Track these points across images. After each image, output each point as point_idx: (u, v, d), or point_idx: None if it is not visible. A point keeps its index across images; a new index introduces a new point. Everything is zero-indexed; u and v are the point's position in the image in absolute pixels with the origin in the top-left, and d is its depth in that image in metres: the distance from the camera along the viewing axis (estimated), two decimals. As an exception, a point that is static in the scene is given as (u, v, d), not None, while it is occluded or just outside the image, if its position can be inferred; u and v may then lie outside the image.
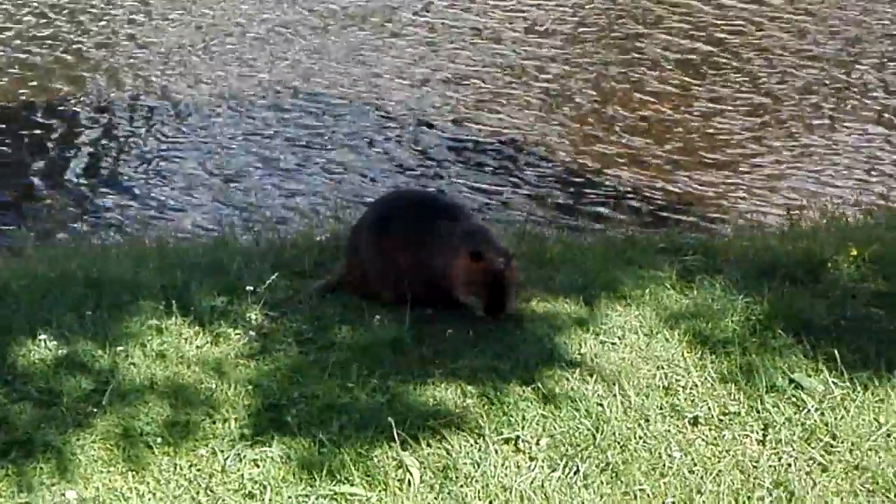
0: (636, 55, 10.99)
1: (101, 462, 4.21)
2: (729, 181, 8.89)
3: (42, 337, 4.77)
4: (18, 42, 11.44)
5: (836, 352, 4.67)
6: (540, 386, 4.53)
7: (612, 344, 4.81)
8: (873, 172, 9.01)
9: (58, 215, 8.57)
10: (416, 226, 4.99)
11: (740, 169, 9.07)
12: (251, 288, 5.12)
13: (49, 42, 11.48)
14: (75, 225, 8.35)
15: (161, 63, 11.12)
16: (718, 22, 11.65)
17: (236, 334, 4.89)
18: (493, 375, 4.59)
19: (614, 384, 4.54)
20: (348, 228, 5.90)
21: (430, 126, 9.87)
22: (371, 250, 5.09)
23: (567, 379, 4.58)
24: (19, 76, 10.83)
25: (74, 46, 11.41)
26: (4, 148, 9.70)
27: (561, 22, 11.76)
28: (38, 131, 9.98)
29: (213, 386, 4.58)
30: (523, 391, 4.51)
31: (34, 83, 10.71)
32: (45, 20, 11.93)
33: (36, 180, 9.23)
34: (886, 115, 9.90)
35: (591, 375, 4.60)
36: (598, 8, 12.03)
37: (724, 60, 10.87)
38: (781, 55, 10.96)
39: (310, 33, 11.57)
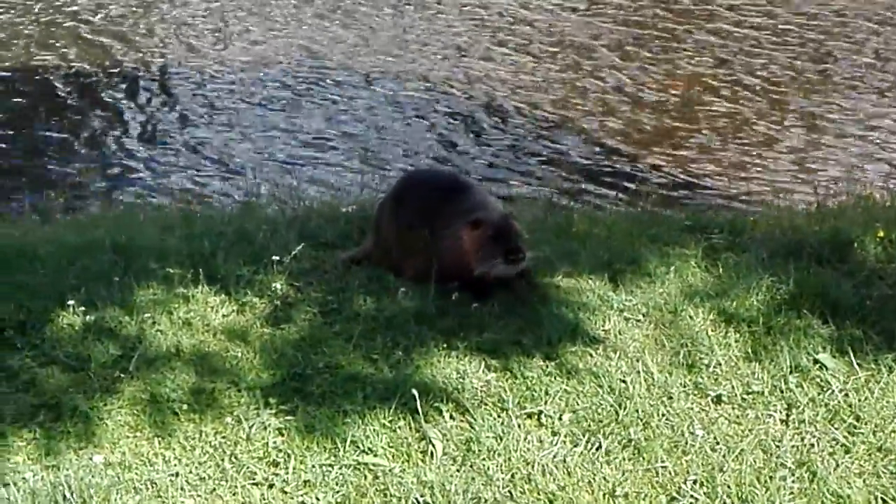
0: (664, 35, 10.92)
1: (128, 427, 4.26)
2: (757, 160, 8.84)
3: (70, 302, 4.81)
4: (42, 5, 11.46)
5: (861, 333, 4.66)
6: (563, 361, 4.53)
7: (637, 321, 4.81)
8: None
9: (86, 183, 8.61)
10: (430, 207, 5.03)
11: (769, 148, 9.02)
12: (277, 257, 5.15)
13: (73, 8, 11.49)
14: (103, 193, 8.38)
15: (192, 31, 11.12)
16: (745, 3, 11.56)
17: (262, 303, 4.92)
18: (516, 349, 4.60)
19: (638, 361, 4.55)
20: (374, 200, 5.92)
21: (461, 102, 9.84)
22: (391, 228, 5.13)
23: (591, 355, 4.59)
24: (40, 42, 10.85)
25: (100, 15, 11.42)
26: (31, 115, 9.74)
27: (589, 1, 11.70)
28: (62, 99, 10.01)
29: (239, 354, 4.61)
30: (547, 366, 4.52)
31: (56, 50, 10.73)
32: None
33: (64, 148, 9.27)
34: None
35: (615, 352, 4.60)
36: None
37: (750, 37, 10.78)
38: (809, 31, 10.86)
39: (349, 6, 11.54)
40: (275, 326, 4.79)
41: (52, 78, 10.25)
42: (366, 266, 5.19)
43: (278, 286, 4.99)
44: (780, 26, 10.85)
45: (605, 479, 4.04)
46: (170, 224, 5.82)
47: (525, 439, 4.19)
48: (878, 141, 9.07)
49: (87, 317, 4.76)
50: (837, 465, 4.11)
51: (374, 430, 4.20)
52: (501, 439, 4.18)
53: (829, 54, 10.37)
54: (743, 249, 5.33)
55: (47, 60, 10.54)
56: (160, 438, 4.21)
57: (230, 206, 7.11)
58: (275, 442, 4.18)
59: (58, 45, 10.81)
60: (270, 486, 4.03)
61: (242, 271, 5.09)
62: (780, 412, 4.35)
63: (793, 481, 4.03)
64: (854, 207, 6.32)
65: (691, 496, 3.98)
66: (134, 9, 11.47)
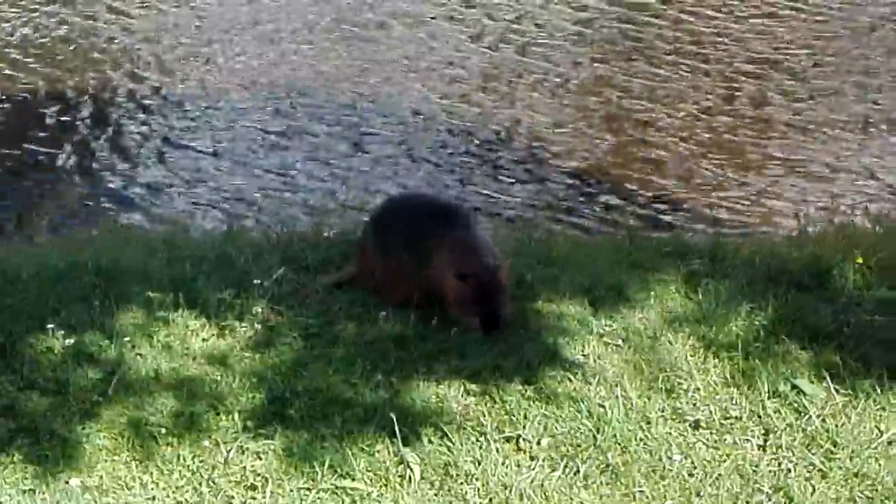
0: (645, 56, 10.99)
1: (106, 451, 4.25)
2: (738, 186, 8.89)
3: (50, 326, 4.81)
4: (26, 31, 11.48)
5: (839, 359, 4.68)
6: (542, 386, 4.55)
7: (616, 346, 4.83)
8: (883, 179, 8.99)
9: (69, 206, 8.61)
10: (412, 231, 5.06)
11: (750, 173, 9.07)
12: (258, 281, 5.15)
13: (54, 32, 11.51)
14: (85, 216, 8.39)
15: (173, 54, 11.15)
16: (730, 26, 11.64)
17: (242, 327, 4.92)
18: (496, 374, 4.61)
19: (616, 386, 4.56)
20: (357, 225, 5.94)
21: (441, 126, 9.88)
22: (376, 252, 5.15)
23: (570, 379, 4.60)
24: (27, 65, 10.86)
25: (79, 37, 11.45)
26: (16, 138, 9.74)
27: (569, 21, 11.77)
28: (47, 121, 10.02)
29: (218, 378, 4.61)
30: (526, 390, 4.53)
31: (42, 72, 10.74)
32: (49, 8, 11.94)
33: (47, 171, 9.27)
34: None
35: (594, 376, 4.62)
36: (607, 10, 12.01)
37: (733, 62, 10.86)
38: (793, 60, 10.94)
39: (326, 30, 11.60)
40: (255, 350, 4.79)
41: (41, 99, 10.27)
42: (347, 290, 5.20)
43: (259, 310, 5.00)
44: (754, 60, 10.93)
45: (582, 503, 4.05)
46: (152, 248, 5.82)
47: (503, 464, 4.20)
48: (859, 168, 9.13)
49: (67, 341, 4.75)
50: (814, 491, 4.13)
51: (352, 453, 4.21)
52: (479, 463, 4.19)
53: (805, 91, 10.44)
54: (723, 275, 5.35)
55: (35, 82, 10.55)
56: (138, 462, 4.21)
57: (213, 229, 7.11)
58: (253, 466, 4.18)
59: (47, 65, 10.84)
60: (248, 511, 4.03)
61: (224, 295, 5.09)
62: (758, 437, 4.37)
63: (769, 506, 4.05)
64: (834, 235, 6.35)
65: (668, 521, 3.99)
66: (116, 32, 11.50)
